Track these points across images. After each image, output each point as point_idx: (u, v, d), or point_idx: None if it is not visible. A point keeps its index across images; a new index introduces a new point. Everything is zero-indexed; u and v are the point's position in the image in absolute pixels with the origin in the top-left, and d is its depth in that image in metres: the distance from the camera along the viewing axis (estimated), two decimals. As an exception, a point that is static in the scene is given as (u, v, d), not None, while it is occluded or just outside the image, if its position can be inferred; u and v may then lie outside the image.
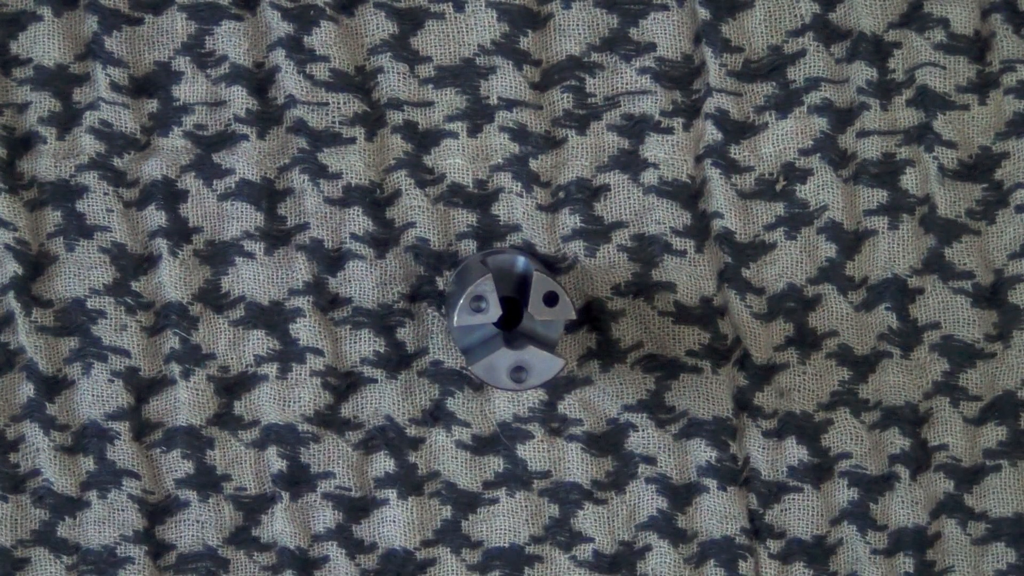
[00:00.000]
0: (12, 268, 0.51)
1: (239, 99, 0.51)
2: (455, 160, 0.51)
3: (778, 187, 0.51)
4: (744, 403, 0.52)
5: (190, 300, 0.51)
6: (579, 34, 0.51)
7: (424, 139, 0.51)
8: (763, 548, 0.53)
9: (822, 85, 0.51)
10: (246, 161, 0.51)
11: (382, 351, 0.52)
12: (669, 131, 0.51)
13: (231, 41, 0.51)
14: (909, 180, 0.51)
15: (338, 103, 0.51)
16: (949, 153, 0.51)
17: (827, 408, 0.52)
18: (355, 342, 0.52)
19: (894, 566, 0.53)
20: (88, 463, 0.52)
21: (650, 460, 0.52)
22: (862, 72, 0.51)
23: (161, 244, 0.51)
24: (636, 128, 0.51)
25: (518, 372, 0.45)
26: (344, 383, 0.52)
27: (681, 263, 0.51)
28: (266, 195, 0.51)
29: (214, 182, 0.51)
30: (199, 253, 0.51)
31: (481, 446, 0.52)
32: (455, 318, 0.46)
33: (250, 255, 0.51)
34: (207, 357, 0.51)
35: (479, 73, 0.51)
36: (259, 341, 0.52)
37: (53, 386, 0.51)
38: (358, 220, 0.51)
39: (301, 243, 0.51)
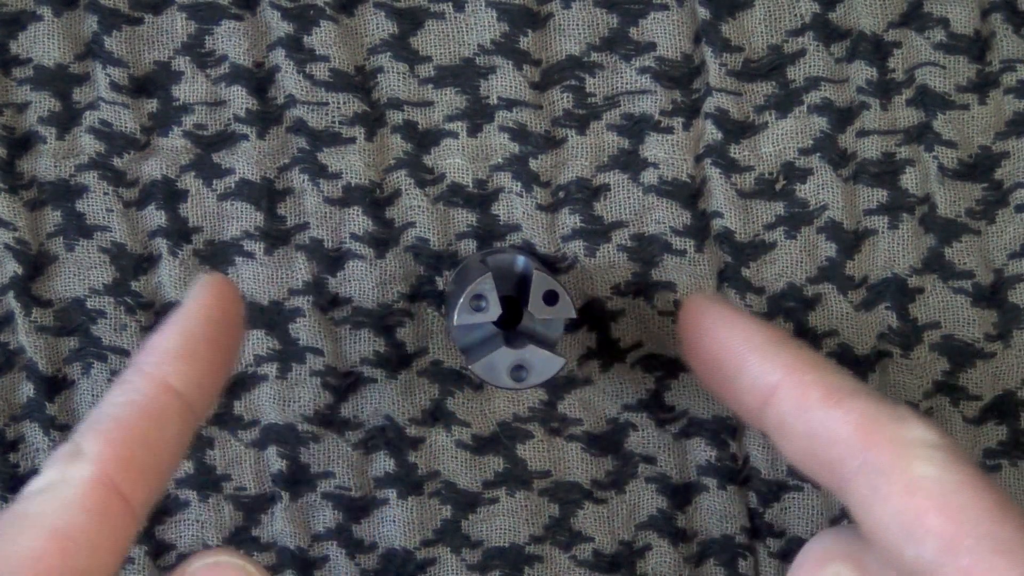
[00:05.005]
0: (12, 268, 0.51)
1: (239, 99, 0.51)
2: (455, 160, 0.51)
3: (778, 187, 0.51)
4: (744, 403, 0.52)
5: (190, 300, 0.51)
6: (579, 34, 0.51)
7: (424, 139, 0.51)
8: (763, 547, 0.53)
9: (822, 85, 0.51)
10: (246, 161, 0.51)
11: (382, 351, 0.52)
12: (669, 131, 0.51)
13: (231, 41, 0.51)
14: (909, 180, 0.51)
15: (338, 103, 0.51)
16: (949, 153, 0.51)
17: (827, 408, 0.52)
18: (355, 342, 0.52)
19: (894, 566, 0.53)
20: (88, 463, 0.52)
21: (650, 459, 0.52)
22: (862, 72, 0.51)
23: (161, 244, 0.51)
24: (636, 128, 0.51)
25: (518, 371, 0.45)
26: (344, 383, 0.52)
27: (681, 263, 0.51)
28: (266, 195, 0.51)
29: (214, 182, 0.51)
30: (199, 253, 0.51)
31: (481, 446, 0.52)
32: (455, 317, 0.46)
33: (250, 255, 0.51)
34: (207, 357, 0.51)
35: (479, 73, 0.51)
36: (259, 341, 0.52)
37: (53, 386, 0.51)
38: (358, 220, 0.51)
39: (301, 243, 0.51)
